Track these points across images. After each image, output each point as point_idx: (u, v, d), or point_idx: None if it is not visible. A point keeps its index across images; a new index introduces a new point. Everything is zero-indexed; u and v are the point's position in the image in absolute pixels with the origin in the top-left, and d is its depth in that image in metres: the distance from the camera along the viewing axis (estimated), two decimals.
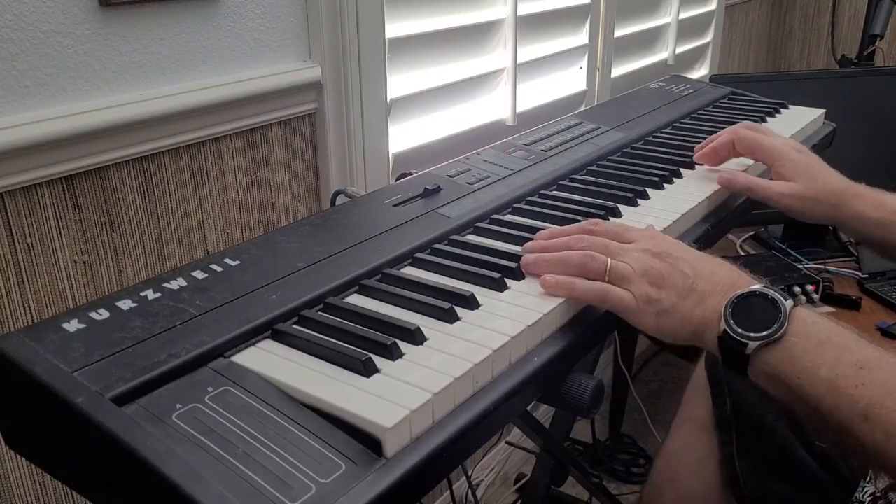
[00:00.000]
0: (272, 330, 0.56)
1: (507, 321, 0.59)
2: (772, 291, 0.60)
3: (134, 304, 0.56)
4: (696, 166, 0.98)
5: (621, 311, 0.64)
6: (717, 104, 1.28)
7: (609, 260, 0.65)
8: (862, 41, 2.10)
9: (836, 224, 0.91)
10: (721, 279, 0.63)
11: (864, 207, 0.87)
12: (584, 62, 1.58)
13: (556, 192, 0.88)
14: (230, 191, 0.96)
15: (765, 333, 0.58)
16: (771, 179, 0.92)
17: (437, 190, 0.82)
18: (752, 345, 0.59)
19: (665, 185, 0.91)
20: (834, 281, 1.59)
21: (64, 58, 0.77)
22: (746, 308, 0.60)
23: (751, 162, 0.97)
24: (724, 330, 0.60)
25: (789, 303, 0.60)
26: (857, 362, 0.57)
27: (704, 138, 1.04)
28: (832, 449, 0.91)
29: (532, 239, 0.72)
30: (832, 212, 0.88)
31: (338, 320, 0.58)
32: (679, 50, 1.96)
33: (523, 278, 0.67)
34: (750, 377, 0.61)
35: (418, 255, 0.70)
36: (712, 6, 2.16)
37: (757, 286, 0.61)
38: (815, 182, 0.88)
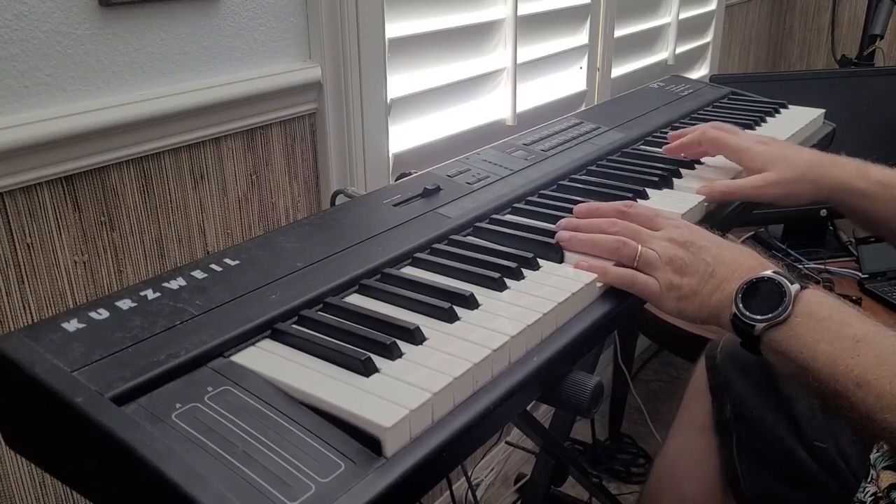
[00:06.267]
0: (272, 329, 0.56)
1: (507, 321, 0.59)
2: (779, 277, 0.64)
3: (134, 304, 0.56)
4: (696, 166, 0.98)
5: (646, 296, 0.69)
6: (717, 104, 1.28)
7: (639, 247, 0.70)
8: (862, 41, 2.10)
9: (823, 200, 0.89)
10: (740, 266, 0.67)
11: (846, 175, 0.86)
12: (584, 62, 1.58)
13: (555, 193, 0.88)
14: (230, 191, 0.97)
15: (769, 316, 0.63)
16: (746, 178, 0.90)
17: (437, 190, 0.82)
18: (759, 326, 0.63)
19: (664, 185, 0.91)
20: (834, 281, 1.59)
21: (64, 58, 0.77)
22: (757, 292, 0.64)
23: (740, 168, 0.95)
24: (734, 313, 0.65)
25: (795, 287, 0.63)
26: (855, 336, 0.60)
27: None
28: (832, 449, 0.91)
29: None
30: (815, 188, 0.87)
31: (337, 320, 0.58)
32: (679, 50, 1.96)
33: (523, 278, 0.67)
34: (763, 355, 0.65)
35: (418, 254, 0.70)
36: (712, 6, 2.15)
37: (768, 272, 0.65)
38: (788, 164, 0.87)
